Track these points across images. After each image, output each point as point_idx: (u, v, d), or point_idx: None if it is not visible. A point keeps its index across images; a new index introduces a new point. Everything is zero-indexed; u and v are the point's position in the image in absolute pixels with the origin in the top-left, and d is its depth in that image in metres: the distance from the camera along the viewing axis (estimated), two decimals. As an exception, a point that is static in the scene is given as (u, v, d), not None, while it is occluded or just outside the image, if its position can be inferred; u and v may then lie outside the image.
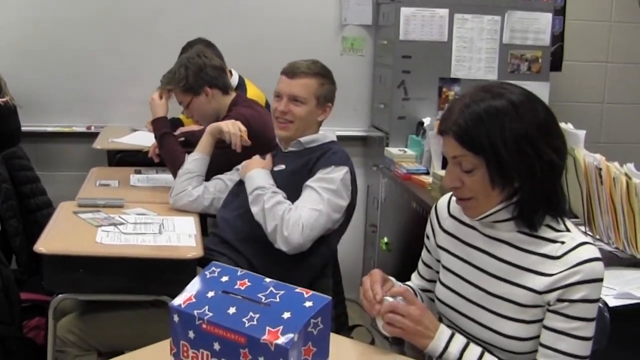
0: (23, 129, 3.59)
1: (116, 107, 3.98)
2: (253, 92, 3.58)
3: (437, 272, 1.75)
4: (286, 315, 1.26)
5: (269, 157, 2.56)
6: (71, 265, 2.18)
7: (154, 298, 2.25)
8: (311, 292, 1.31)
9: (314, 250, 2.38)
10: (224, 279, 1.37)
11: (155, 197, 2.85)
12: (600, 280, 1.49)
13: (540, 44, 3.77)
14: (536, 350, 1.53)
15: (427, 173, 3.31)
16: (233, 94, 3.03)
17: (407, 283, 1.84)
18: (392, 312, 1.56)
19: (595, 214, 2.25)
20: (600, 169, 2.19)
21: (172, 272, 2.20)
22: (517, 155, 1.47)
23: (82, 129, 3.97)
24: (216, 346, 1.28)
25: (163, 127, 2.95)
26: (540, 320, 1.52)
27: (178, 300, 1.34)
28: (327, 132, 2.57)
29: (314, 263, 2.45)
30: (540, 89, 3.29)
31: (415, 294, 1.80)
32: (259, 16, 4.01)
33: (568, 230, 1.54)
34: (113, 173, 3.25)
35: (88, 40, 3.88)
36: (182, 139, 3.04)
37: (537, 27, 3.74)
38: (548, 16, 3.76)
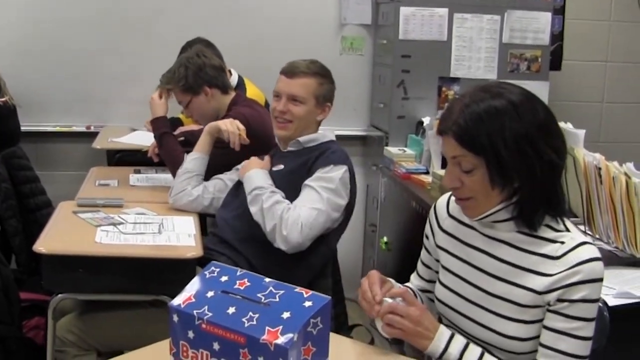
0: (23, 128, 3.59)
1: (116, 107, 3.98)
2: (252, 91, 3.58)
3: (437, 273, 1.74)
4: (286, 315, 1.26)
5: (267, 157, 2.56)
6: (70, 265, 2.18)
7: (154, 298, 2.24)
8: (311, 292, 1.31)
9: (314, 250, 2.38)
10: (224, 278, 1.37)
11: (155, 196, 2.85)
12: (601, 280, 1.49)
13: (540, 43, 3.78)
14: (536, 351, 1.52)
15: (427, 172, 3.31)
16: (232, 94, 3.03)
17: (406, 284, 1.84)
18: (391, 313, 1.56)
19: (595, 214, 2.25)
20: (600, 169, 2.19)
21: (171, 272, 2.20)
22: (517, 155, 1.47)
23: (82, 129, 3.97)
24: (216, 346, 1.28)
25: (162, 126, 2.95)
26: (540, 321, 1.52)
27: (177, 300, 1.34)
28: (326, 132, 2.57)
29: (314, 263, 2.45)
30: (539, 89, 3.29)
31: (415, 295, 1.79)
32: (259, 16, 4.01)
33: (568, 230, 1.54)
34: (112, 173, 3.25)
35: (88, 40, 3.88)
36: (182, 138, 3.04)
37: (537, 26, 3.74)
38: (547, 15, 3.76)
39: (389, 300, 1.57)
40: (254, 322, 1.26)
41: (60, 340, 2.32)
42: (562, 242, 1.51)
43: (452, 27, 3.69)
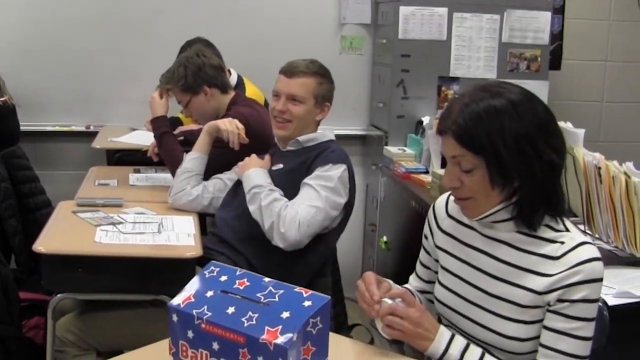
0: (22, 128, 3.59)
1: (115, 107, 3.98)
2: (252, 91, 3.58)
3: (436, 273, 1.74)
4: (285, 314, 1.26)
5: (267, 156, 2.56)
6: (70, 264, 2.18)
7: (153, 297, 2.24)
8: (310, 292, 1.31)
9: (313, 249, 2.38)
10: (223, 278, 1.37)
11: (154, 196, 2.85)
12: (600, 280, 1.48)
13: (539, 43, 3.78)
14: (536, 351, 1.52)
15: (426, 172, 3.31)
16: (232, 93, 3.03)
17: (405, 285, 1.83)
18: (391, 314, 1.55)
19: (595, 213, 2.25)
20: (600, 168, 2.19)
21: (171, 272, 2.20)
22: (517, 155, 1.46)
23: (81, 129, 3.97)
24: (215, 346, 1.28)
25: (162, 126, 2.95)
26: (540, 321, 1.52)
27: (177, 300, 1.33)
28: (326, 131, 2.57)
29: (313, 262, 2.45)
30: (539, 88, 3.29)
31: (414, 296, 1.79)
32: (259, 16, 4.01)
33: (567, 230, 1.54)
34: (112, 172, 3.25)
35: (88, 40, 3.88)
36: (182, 138, 3.04)
37: (536, 25, 3.74)
38: (547, 15, 3.76)
39: (389, 301, 1.57)
40: (254, 322, 1.25)
41: (60, 340, 2.32)
42: (562, 242, 1.50)
43: (451, 27, 3.69)
